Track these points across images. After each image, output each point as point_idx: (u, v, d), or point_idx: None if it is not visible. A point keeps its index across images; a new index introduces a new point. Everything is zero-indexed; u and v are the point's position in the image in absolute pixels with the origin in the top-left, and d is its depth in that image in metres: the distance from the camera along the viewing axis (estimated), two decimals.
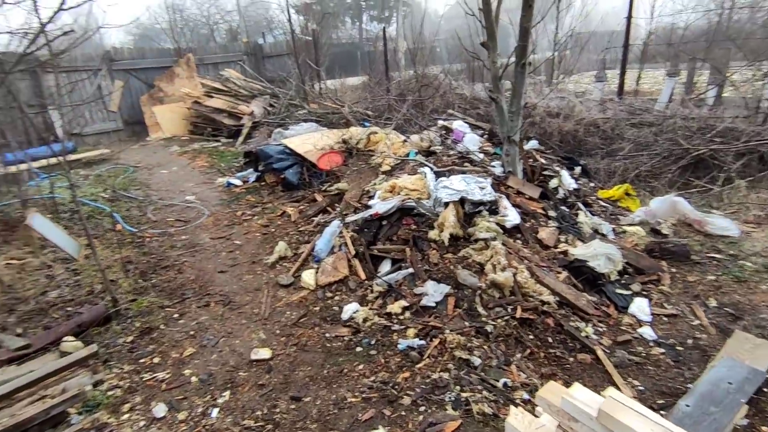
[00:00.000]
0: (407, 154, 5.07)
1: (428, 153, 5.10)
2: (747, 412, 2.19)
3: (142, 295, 3.56)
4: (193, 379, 2.65)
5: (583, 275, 3.37)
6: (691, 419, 2.09)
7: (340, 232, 4.16)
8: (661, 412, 2.25)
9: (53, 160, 6.11)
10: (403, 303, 3.09)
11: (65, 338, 2.96)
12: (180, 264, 4.16)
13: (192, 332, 3.13)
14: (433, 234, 3.54)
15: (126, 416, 2.36)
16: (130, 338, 3.05)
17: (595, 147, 6.21)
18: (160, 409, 2.36)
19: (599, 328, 2.96)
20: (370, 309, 3.16)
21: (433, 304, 3.04)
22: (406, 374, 2.57)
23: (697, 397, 2.21)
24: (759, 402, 2.28)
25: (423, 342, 2.78)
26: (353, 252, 3.81)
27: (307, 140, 6.20)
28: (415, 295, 3.15)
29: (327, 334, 3.02)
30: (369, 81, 10.22)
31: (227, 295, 3.63)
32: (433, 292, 3.09)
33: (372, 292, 3.34)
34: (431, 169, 4.36)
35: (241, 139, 8.29)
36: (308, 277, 3.68)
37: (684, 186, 5.21)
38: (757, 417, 2.21)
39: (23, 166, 5.47)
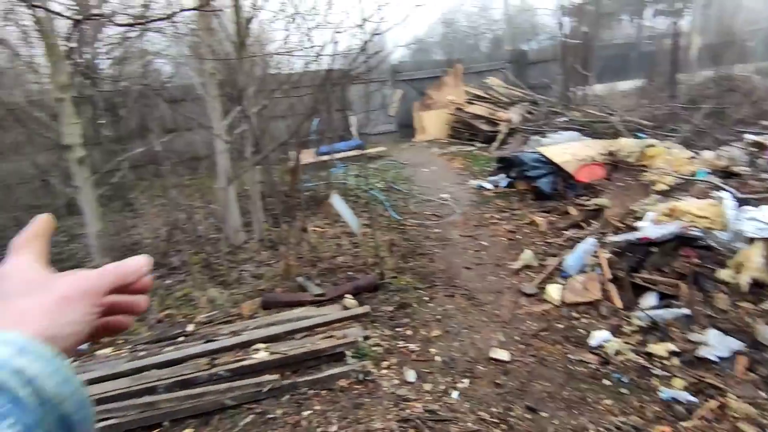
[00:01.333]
0: (694, 174, 4.25)
1: (727, 174, 4.14)
2: None
3: (401, 274, 4.14)
4: (437, 358, 2.95)
5: None
6: None
7: (595, 251, 3.84)
8: None
9: (349, 154, 7.65)
10: (671, 347, 2.64)
11: (346, 295, 3.72)
12: (432, 254, 4.63)
13: (438, 317, 3.46)
14: (724, 274, 2.88)
15: (384, 371, 2.82)
16: (390, 308, 3.60)
17: None
18: (410, 375, 2.73)
19: None
20: (626, 343, 2.83)
21: (715, 359, 2.49)
22: (666, 429, 2.20)
23: None
24: None
25: (694, 399, 2.32)
26: (609, 275, 3.46)
27: (566, 149, 5.92)
28: (689, 342, 2.64)
29: (570, 356, 2.86)
30: (647, 86, 8.93)
31: (471, 291, 3.85)
32: (716, 344, 2.53)
33: (629, 324, 2.97)
34: (732, 194, 3.53)
35: (495, 144, 8.55)
36: (554, 291, 3.55)
37: None
38: None
39: (330, 157, 7.08)
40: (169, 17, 3.14)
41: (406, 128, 11.78)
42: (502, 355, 2.90)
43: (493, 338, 3.14)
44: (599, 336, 2.94)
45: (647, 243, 3.41)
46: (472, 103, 10.25)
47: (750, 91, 6.42)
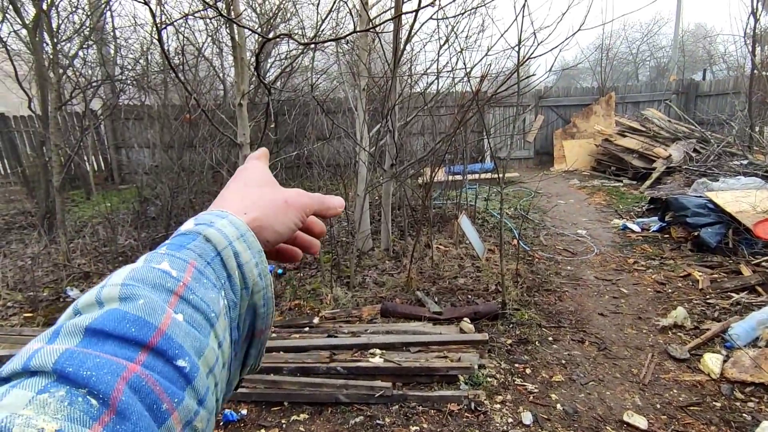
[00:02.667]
0: None
1: None
2: None
3: (525, 307, 3.91)
4: (558, 406, 2.70)
5: None
6: None
7: None
8: None
9: (481, 176, 7.55)
10: None
11: (464, 318, 3.64)
12: (561, 292, 4.29)
13: (563, 361, 3.17)
14: None
15: (498, 406, 2.67)
16: (509, 341, 3.42)
17: None
18: (527, 417, 2.54)
19: None
20: None
21: None
22: None
23: None
24: None
25: None
26: None
27: (744, 198, 5.01)
28: None
29: None
30: None
31: (603, 340, 3.46)
32: None
33: None
34: None
35: (648, 182, 7.63)
36: (712, 362, 3.00)
37: None
38: None
39: (460, 178, 7.07)
40: (339, 39, 3.47)
41: (545, 156, 11.22)
42: (639, 421, 2.53)
43: (627, 399, 2.77)
44: None
45: None
46: (624, 135, 9.33)
47: None
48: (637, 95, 11.62)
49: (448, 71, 5.39)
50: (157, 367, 0.30)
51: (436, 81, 5.65)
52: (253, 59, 5.26)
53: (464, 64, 5.18)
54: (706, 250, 4.79)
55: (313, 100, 6.46)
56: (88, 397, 0.26)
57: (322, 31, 5.07)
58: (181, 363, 0.31)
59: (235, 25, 4.76)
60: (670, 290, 4.19)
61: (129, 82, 7.81)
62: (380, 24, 3.35)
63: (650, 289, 4.25)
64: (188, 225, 0.42)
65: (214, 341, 0.35)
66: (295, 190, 0.50)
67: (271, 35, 4.33)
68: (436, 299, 4.09)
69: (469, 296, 4.15)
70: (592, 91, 11.72)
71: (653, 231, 5.57)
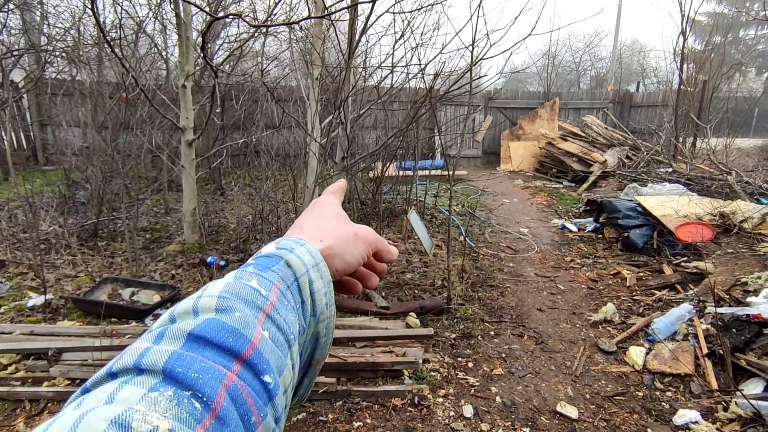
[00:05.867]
0: None
1: None
2: None
3: (469, 302, 4.01)
4: (498, 399, 2.78)
5: None
6: None
7: (691, 320, 3.46)
8: None
9: (431, 173, 7.65)
10: None
11: (411, 313, 3.67)
12: (503, 288, 4.44)
13: (504, 355, 3.29)
14: None
15: (440, 400, 2.72)
16: (453, 335, 3.49)
17: None
18: (468, 410, 2.60)
19: None
20: (718, 430, 2.48)
21: None
22: None
23: None
24: None
25: None
26: (705, 350, 3.08)
27: (668, 203, 5.44)
28: None
29: (649, 430, 2.56)
30: None
31: (541, 335, 3.62)
32: None
33: (726, 410, 2.60)
34: None
35: (585, 185, 8.09)
36: (636, 354, 3.23)
37: None
38: None
39: (411, 173, 7.12)
40: (291, 24, 3.35)
41: (492, 155, 11.57)
42: (570, 411, 2.67)
43: (560, 390, 2.92)
44: (686, 415, 2.61)
45: (760, 322, 2.99)
46: (566, 140, 9.82)
47: None
48: (579, 102, 12.27)
49: (402, 66, 5.40)
50: (248, 379, 0.31)
51: (390, 75, 5.64)
52: (199, 39, 4.97)
53: (419, 60, 5.20)
54: (634, 250, 5.15)
55: (263, 87, 6.23)
56: (192, 399, 0.28)
57: (275, 14, 4.89)
58: (266, 378, 0.33)
59: (180, 1, 4.47)
60: (601, 287, 4.46)
61: (57, 53, 7.14)
62: (335, 12, 3.26)
63: (584, 286, 4.51)
64: (270, 248, 0.44)
65: (290, 362, 0.37)
66: (364, 226, 0.53)
67: (220, 14, 4.10)
68: (384, 294, 4.10)
69: (416, 291, 4.19)
70: (538, 96, 12.23)
71: (588, 231, 5.91)
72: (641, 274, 4.64)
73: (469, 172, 9.73)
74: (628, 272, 4.64)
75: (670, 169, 7.00)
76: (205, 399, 0.28)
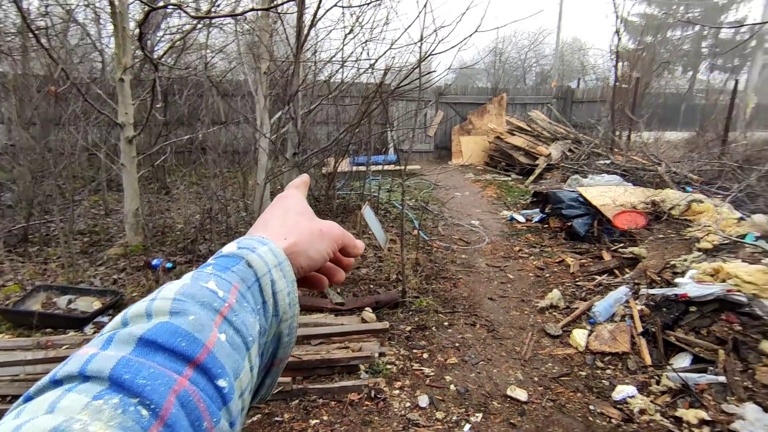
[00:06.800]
0: (744, 236, 4.06)
1: None
2: None
3: (423, 294, 4.08)
4: (452, 387, 2.86)
5: None
6: None
7: (627, 301, 3.70)
8: None
9: (384, 168, 7.68)
10: (703, 415, 2.48)
11: (366, 308, 3.68)
12: (456, 279, 4.56)
13: (457, 344, 3.38)
14: None
15: (397, 391, 2.76)
16: (408, 328, 3.54)
17: None
18: (423, 400, 2.66)
19: None
20: (652, 402, 2.68)
21: None
22: None
23: None
24: None
25: None
26: (640, 329, 3.32)
27: (606, 193, 5.77)
28: (723, 413, 2.48)
29: (591, 407, 2.73)
30: (697, 139, 8.69)
31: (492, 323, 3.75)
32: (753, 419, 2.37)
33: (658, 384, 2.82)
34: None
35: (531, 177, 8.43)
36: (579, 336, 3.42)
37: None
38: None
39: (364, 169, 7.13)
40: (236, 16, 3.24)
41: (444, 150, 11.78)
42: (520, 394, 2.79)
43: (511, 375, 3.04)
44: (624, 390, 2.80)
45: (686, 301, 3.25)
46: (513, 134, 10.19)
47: None
48: (525, 97, 12.75)
49: (353, 61, 5.37)
50: (201, 383, 0.31)
51: (341, 70, 5.60)
52: (137, 30, 4.69)
53: (368, 55, 5.20)
54: (577, 238, 5.43)
55: (208, 81, 5.99)
56: (139, 406, 0.27)
57: (219, 5, 4.71)
58: (221, 383, 0.32)
59: None
60: (547, 275, 4.68)
61: None
62: (282, 3, 3.19)
63: (532, 274, 4.71)
64: (231, 247, 0.43)
65: (248, 365, 0.36)
66: (329, 222, 0.53)
67: (159, 4, 3.90)
68: (339, 290, 4.08)
69: (371, 286, 4.21)
70: (487, 91, 12.58)
71: (535, 221, 6.18)
72: (583, 260, 4.91)
73: (422, 167, 9.87)
74: (572, 259, 4.89)
75: (608, 161, 7.45)
76: (152, 406, 0.27)
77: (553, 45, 23.79)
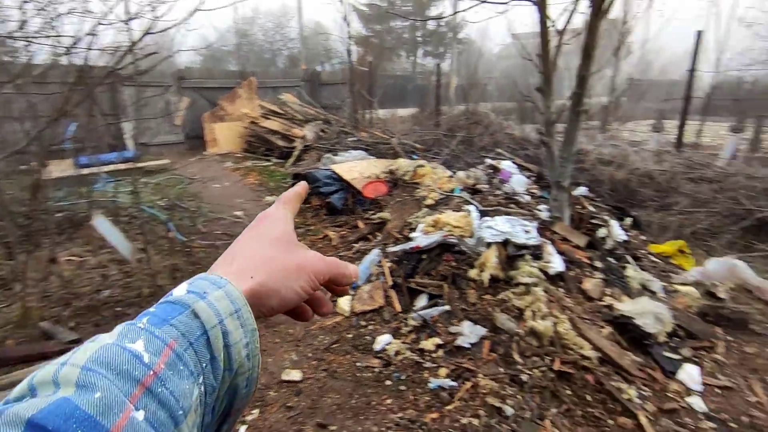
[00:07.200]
0: (452, 190, 5.10)
1: (474, 191, 5.10)
2: None
3: None
4: None
5: (629, 333, 3.20)
6: None
7: (380, 261, 4.20)
8: None
9: (121, 167, 6.57)
10: (437, 340, 3.05)
11: None
12: None
13: None
14: (473, 273, 3.51)
15: None
16: None
17: (647, 199, 6.00)
18: None
19: (643, 392, 2.79)
20: (403, 343, 3.14)
21: (468, 346, 2.98)
22: (435, 415, 2.51)
23: None
24: None
25: (455, 383, 2.72)
26: (390, 283, 3.82)
27: (355, 167, 6.37)
28: (450, 334, 3.11)
29: (358, 363, 3.02)
30: (419, 114, 10.45)
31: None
32: (468, 332, 3.04)
33: (406, 325, 3.32)
34: (476, 207, 4.35)
35: (291, 160, 8.62)
36: (344, 303, 3.72)
37: (745, 249, 4.90)
38: None
39: (94, 170, 5.92)
40: None
41: (196, 140, 10.87)
42: (295, 375, 2.86)
43: (286, 359, 3.08)
44: (382, 340, 3.19)
45: (419, 251, 3.90)
46: (268, 118, 10.15)
47: (488, 124, 8.17)
48: (275, 81, 12.80)
49: (45, 37, 4.27)
50: None
51: (27, 49, 4.39)
52: None
53: (66, 31, 4.22)
54: (336, 212, 5.85)
55: None
56: None
57: None
58: None
59: None
60: None
61: None
62: None
63: None
64: (180, 290, 0.38)
65: None
66: (311, 253, 0.48)
67: None
68: (73, 324, 3.33)
69: (118, 309, 3.59)
70: (236, 75, 12.09)
71: None
72: (343, 232, 5.34)
73: (173, 160, 8.89)
74: (333, 233, 5.26)
75: (355, 138, 8.23)
76: None
77: (297, 29, 24.56)
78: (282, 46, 27.22)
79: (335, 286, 0.52)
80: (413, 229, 4.54)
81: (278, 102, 11.01)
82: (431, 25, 29.99)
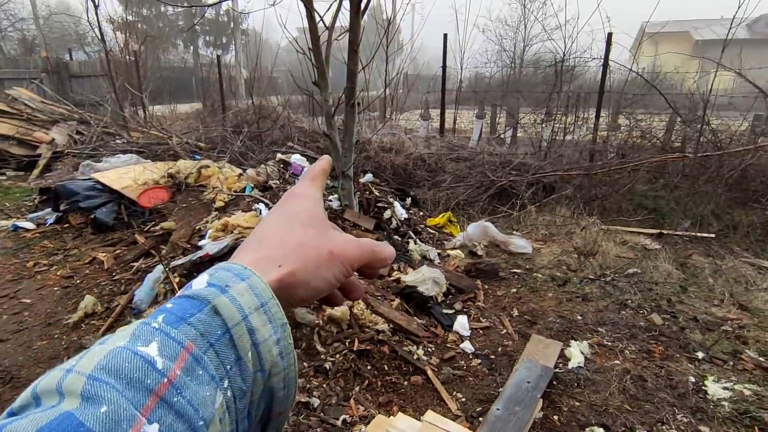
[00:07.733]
0: (243, 189, 4.87)
1: (265, 188, 4.99)
2: (542, 405, 2.60)
3: None
4: None
5: (414, 300, 3.63)
6: (501, 421, 2.38)
7: (166, 278, 3.73)
8: (480, 419, 2.52)
9: None
10: None
11: None
12: None
13: None
14: None
15: None
16: None
17: (422, 179, 6.89)
18: None
19: (429, 349, 3.21)
20: None
21: None
22: None
23: (505, 400, 2.54)
24: (551, 395, 2.73)
25: None
26: None
27: (126, 174, 5.49)
28: None
29: None
30: (203, 110, 9.64)
31: (8, 371, 2.90)
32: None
33: None
34: (266, 205, 4.25)
35: (36, 172, 6.89)
36: None
37: (492, 212, 6.12)
38: (549, 408, 2.64)
39: None
40: None
41: None
42: None
43: None
44: None
45: (210, 259, 3.60)
46: None
47: (277, 118, 8.07)
48: (0, 72, 9.98)
49: None
50: None
51: None
52: None
53: None
54: (106, 229, 4.94)
55: None
56: None
57: None
58: None
59: None
60: (78, 281, 4.05)
61: None
62: None
63: (57, 288, 3.94)
64: (200, 282, 0.34)
65: None
66: (345, 237, 0.43)
67: None
68: None
69: None
70: None
71: (50, 224, 5.14)
72: (118, 251, 4.55)
73: None
74: (104, 254, 4.43)
75: (123, 141, 7.06)
76: None
77: (29, 6, 19.71)
78: (9, 27, 21.46)
79: (367, 270, 0.47)
80: (203, 237, 4.18)
81: (7, 99, 8.63)
82: (210, 13, 27.94)
